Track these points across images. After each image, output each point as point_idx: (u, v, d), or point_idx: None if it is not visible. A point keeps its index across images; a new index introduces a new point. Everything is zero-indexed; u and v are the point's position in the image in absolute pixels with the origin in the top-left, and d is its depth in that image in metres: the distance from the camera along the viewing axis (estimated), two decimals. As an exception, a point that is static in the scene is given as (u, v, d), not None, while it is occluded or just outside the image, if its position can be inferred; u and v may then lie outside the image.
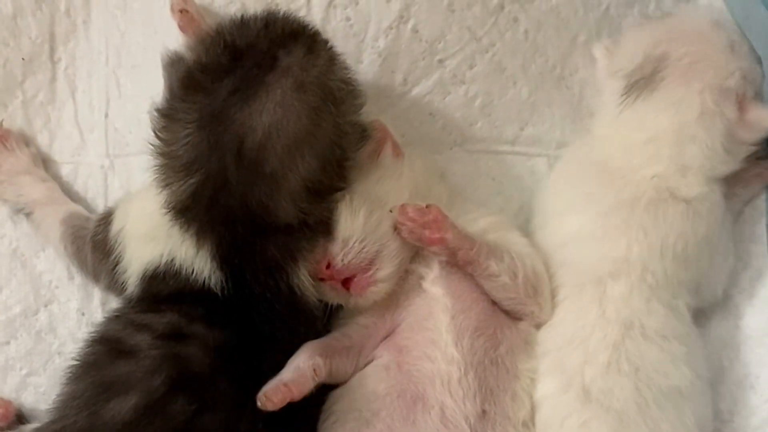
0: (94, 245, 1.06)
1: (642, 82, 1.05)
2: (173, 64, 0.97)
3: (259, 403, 0.89)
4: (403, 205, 0.97)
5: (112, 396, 0.90)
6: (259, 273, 0.94)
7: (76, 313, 1.13)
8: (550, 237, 1.06)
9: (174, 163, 0.93)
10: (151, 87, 1.05)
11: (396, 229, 0.98)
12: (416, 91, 1.15)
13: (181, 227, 0.94)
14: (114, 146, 1.18)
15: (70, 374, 0.96)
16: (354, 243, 0.96)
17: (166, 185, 0.94)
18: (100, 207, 1.16)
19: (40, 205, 1.12)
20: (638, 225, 1.00)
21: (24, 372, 1.11)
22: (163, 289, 0.97)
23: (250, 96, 0.90)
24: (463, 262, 0.99)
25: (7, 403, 1.07)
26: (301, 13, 1.07)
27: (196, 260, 0.95)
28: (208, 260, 0.95)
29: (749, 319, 1.06)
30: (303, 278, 0.96)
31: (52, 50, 1.18)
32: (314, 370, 0.93)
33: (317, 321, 0.99)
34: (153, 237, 0.97)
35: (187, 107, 0.92)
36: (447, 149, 1.17)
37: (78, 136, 1.19)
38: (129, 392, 0.89)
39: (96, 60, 1.19)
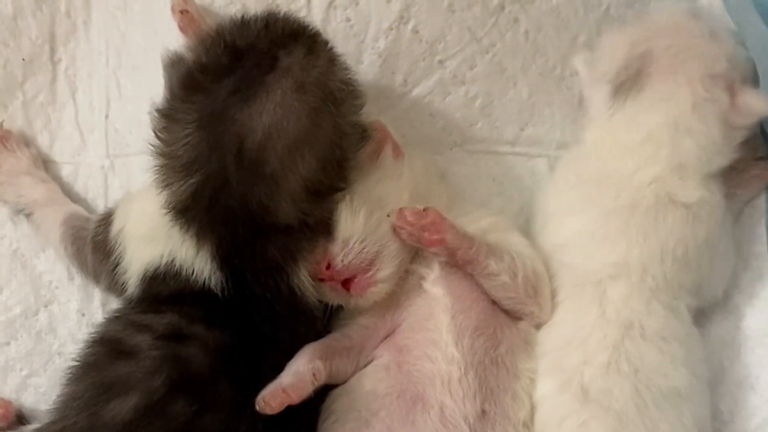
0: (94, 246, 1.06)
1: (628, 82, 1.04)
2: (173, 64, 0.97)
3: (257, 407, 0.89)
4: (401, 209, 0.98)
5: (112, 397, 0.90)
6: (259, 273, 0.94)
7: (76, 313, 1.13)
8: (550, 238, 1.06)
9: (174, 163, 0.93)
10: (152, 88, 1.05)
11: (395, 232, 0.98)
12: (416, 91, 1.15)
13: (181, 228, 0.94)
14: (114, 147, 1.18)
15: (71, 375, 0.96)
16: (354, 243, 0.96)
17: (166, 185, 0.94)
18: (101, 207, 1.16)
19: (40, 206, 1.12)
20: (638, 229, 0.99)
21: (24, 373, 1.12)
22: (163, 290, 0.97)
23: (250, 96, 0.90)
24: (463, 261, 0.99)
25: (7, 404, 1.07)
26: (302, 14, 1.08)
27: (196, 261, 0.95)
28: (209, 261, 0.95)
29: (749, 320, 1.06)
30: (303, 279, 0.96)
31: (53, 51, 1.19)
32: (314, 374, 0.93)
33: (317, 321, 0.99)
34: (153, 237, 0.97)
35: (187, 107, 0.92)
36: (447, 150, 1.17)
37: (78, 137, 1.19)
38: (129, 393, 0.89)
39: (96, 61, 1.19)
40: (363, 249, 0.96)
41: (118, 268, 1.01)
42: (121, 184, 1.16)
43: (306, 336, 0.98)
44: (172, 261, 0.96)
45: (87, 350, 0.97)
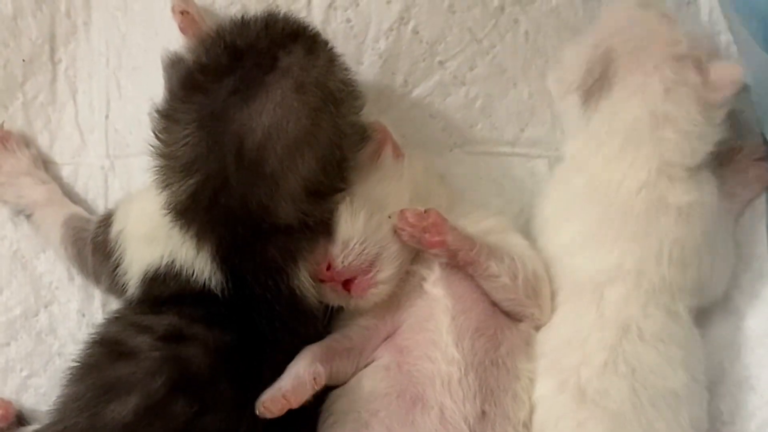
0: (94, 247, 1.06)
1: (596, 84, 1.03)
2: (173, 65, 0.97)
3: (257, 412, 0.89)
4: (402, 211, 0.98)
5: (112, 397, 0.90)
6: (259, 274, 0.94)
7: (76, 314, 1.13)
8: (547, 244, 1.06)
9: (174, 163, 0.93)
10: (152, 88, 1.05)
11: (396, 233, 0.99)
12: (417, 92, 1.15)
13: (181, 228, 0.94)
14: (114, 147, 1.18)
15: (71, 376, 0.96)
16: (354, 245, 0.96)
17: (166, 186, 0.94)
18: (101, 208, 1.16)
19: (40, 206, 1.12)
20: (631, 235, 0.99)
21: (24, 373, 1.12)
22: (163, 291, 0.97)
23: (250, 96, 0.90)
24: (464, 263, 0.99)
25: (7, 404, 1.07)
26: (302, 15, 1.07)
27: (196, 261, 0.95)
28: (209, 261, 0.95)
29: (750, 321, 1.06)
30: (303, 279, 0.96)
31: (53, 51, 1.18)
32: (314, 378, 0.92)
33: (318, 322, 0.99)
34: (153, 238, 0.97)
35: (186, 108, 0.92)
36: (447, 151, 1.17)
37: (78, 138, 1.19)
38: (129, 394, 0.89)
39: (96, 61, 1.19)
40: (363, 250, 0.96)
41: (118, 269, 1.01)
42: (121, 185, 1.16)
43: (306, 336, 0.98)
44: (173, 262, 0.96)
45: (87, 351, 0.97)
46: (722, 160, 1.14)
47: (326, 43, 0.98)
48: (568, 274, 1.03)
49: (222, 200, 0.91)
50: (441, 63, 1.15)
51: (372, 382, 0.98)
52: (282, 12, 0.99)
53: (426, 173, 1.08)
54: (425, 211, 0.97)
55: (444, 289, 0.99)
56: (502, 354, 0.98)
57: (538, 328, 1.03)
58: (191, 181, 0.91)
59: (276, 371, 0.93)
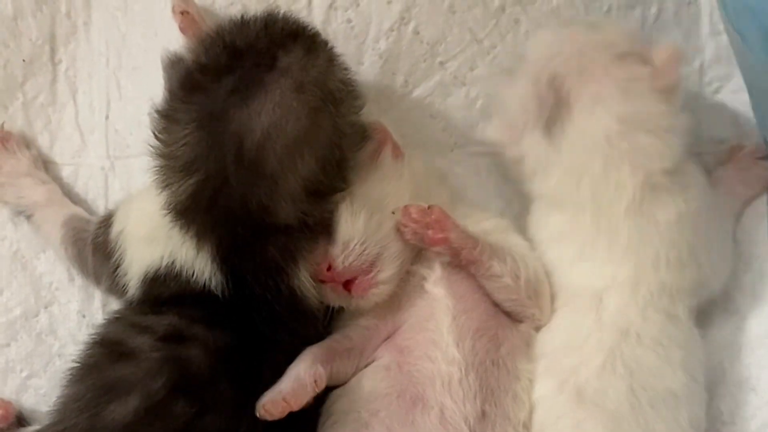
0: (94, 248, 1.06)
1: (554, 111, 1.00)
2: (173, 65, 0.97)
3: (257, 414, 0.89)
4: (405, 207, 0.98)
5: (112, 398, 0.90)
6: (259, 274, 0.94)
7: (76, 314, 1.13)
8: (541, 256, 1.05)
9: (173, 163, 0.93)
10: (152, 89, 1.05)
11: (399, 230, 0.99)
12: (417, 92, 1.15)
13: (181, 228, 0.94)
14: (114, 148, 1.18)
15: (71, 376, 0.96)
16: (355, 245, 0.96)
17: (166, 186, 0.94)
18: (101, 209, 1.16)
19: (40, 207, 1.12)
20: (623, 251, 0.98)
21: (24, 374, 1.12)
22: (164, 292, 0.97)
23: (249, 96, 0.90)
24: (466, 261, 0.99)
25: (7, 404, 1.07)
26: (303, 15, 1.07)
27: (196, 262, 0.95)
28: (209, 262, 0.95)
29: (751, 321, 1.06)
30: (303, 279, 0.96)
31: (53, 52, 1.18)
32: (315, 381, 0.92)
33: (318, 322, 0.99)
34: (153, 239, 0.97)
35: (186, 108, 0.92)
36: (448, 151, 1.17)
37: (78, 138, 1.19)
38: (130, 394, 0.89)
39: (97, 61, 1.19)
40: (364, 250, 0.96)
41: (118, 269, 1.01)
42: (121, 186, 1.16)
43: (306, 337, 0.98)
44: (173, 262, 0.96)
45: (87, 351, 0.97)
46: (724, 158, 1.14)
47: (326, 42, 0.98)
48: (565, 283, 1.03)
49: (222, 200, 0.91)
50: (441, 63, 1.14)
51: (372, 382, 0.98)
52: (282, 12, 0.99)
53: (426, 173, 1.08)
54: (428, 208, 0.97)
55: (445, 289, 0.99)
56: (503, 354, 0.98)
57: (538, 328, 1.03)
58: (191, 181, 0.91)
59: (276, 372, 0.93)
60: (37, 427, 0.98)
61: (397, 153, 1.06)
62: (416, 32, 1.13)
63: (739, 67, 1.13)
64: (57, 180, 1.16)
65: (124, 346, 0.94)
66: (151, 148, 0.94)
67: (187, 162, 0.91)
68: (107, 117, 1.18)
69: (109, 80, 1.18)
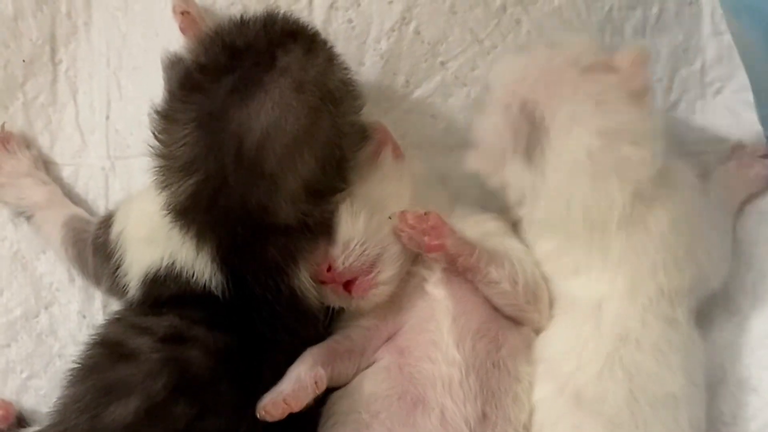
0: (95, 248, 1.06)
1: (531, 137, 0.98)
2: (173, 65, 0.97)
3: (258, 416, 0.89)
4: (402, 212, 0.97)
5: (113, 399, 0.90)
6: (259, 274, 0.94)
7: (77, 315, 1.13)
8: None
9: (173, 164, 0.92)
10: (152, 89, 1.04)
11: (396, 235, 0.98)
12: (418, 93, 1.15)
13: (181, 229, 0.94)
14: (115, 148, 1.18)
15: (71, 377, 0.95)
16: (355, 246, 0.96)
17: (166, 186, 0.93)
18: (101, 209, 1.16)
19: (40, 208, 1.12)
20: (619, 261, 0.97)
21: (25, 375, 1.12)
22: (164, 292, 0.97)
23: (249, 96, 0.90)
24: (463, 268, 0.99)
25: (7, 405, 1.07)
26: (304, 15, 1.07)
27: (196, 263, 0.95)
28: (209, 262, 0.94)
29: (752, 322, 1.05)
30: (304, 280, 0.96)
31: (53, 52, 1.18)
32: (315, 382, 0.92)
33: (318, 323, 0.99)
34: (153, 239, 0.97)
35: (185, 108, 0.92)
36: (448, 151, 1.16)
37: (79, 138, 1.19)
38: (130, 396, 0.89)
39: (97, 62, 1.19)
40: (364, 251, 0.96)
41: (118, 270, 1.01)
42: (121, 186, 1.17)
43: (307, 337, 0.98)
44: (173, 263, 0.96)
45: (88, 352, 0.96)
46: (725, 157, 1.13)
47: (325, 42, 0.98)
48: (563, 293, 1.02)
49: (221, 200, 0.91)
50: (443, 63, 1.14)
51: (373, 383, 0.98)
52: (281, 12, 0.98)
53: (426, 174, 1.08)
54: (425, 214, 0.97)
55: (445, 290, 0.99)
56: (503, 356, 0.98)
57: (538, 332, 1.02)
58: (190, 182, 0.91)
59: (276, 372, 0.93)
60: (37, 428, 0.98)
61: (398, 153, 1.06)
62: (417, 32, 1.12)
63: (743, 65, 1.12)
64: (57, 180, 1.16)
65: (124, 347, 0.94)
66: (150, 149, 0.94)
67: (186, 162, 0.91)
68: (108, 117, 1.18)
69: (110, 80, 1.18)
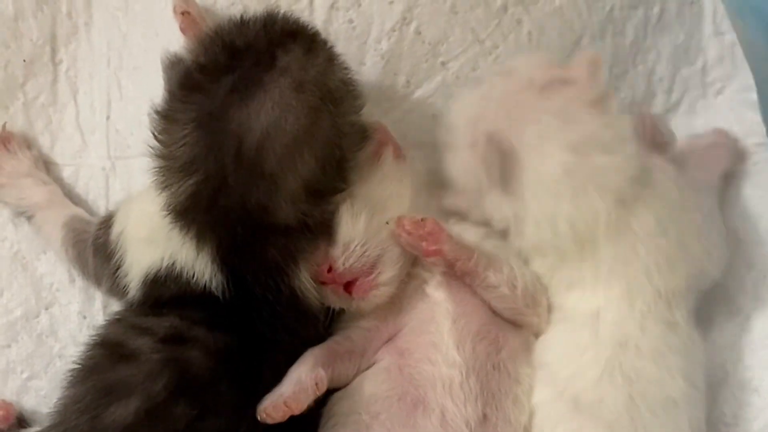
0: (95, 249, 1.05)
1: (504, 168, 0.97)
2: (173, 66, 0.97)
3: (258, 418, 0.89)
4: (399, 218, 0.97)
5: (113, 400, 0.89)
6: (259, 274, 0.94)
7: (77, 316, 1.13)
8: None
9: (173, 164, 0.92)
10: (153, 89, 1.04)
11: (394, 239, 0.98)
12: (419, 93, 1.15)
13: (181, 229, 0.94)
14: (115, 148, 1.18)
15: (71, 378, 0.95)
16: (356, 247, 0.96)
17: (165, 187, 0.93)
18: (102, 209, 1.16)
19: (41, 208, 1.12)
20: (611, 270, 0.97)
21: (25, 375, 1.11)
22: (164, 293, 0.97)
23: (248, 96, 0.89)
24: (461, 272, 0.99)
25: (8, 406, 1.07)
26: (304, 15, 1.07)
27: (196, 263, 0.95)
28: (209, 263, 0.94)
29: (753, 322, 1.06)
30: (304, 280, 0.95)
31: (54, 52, 1.18)
32: (316, 384, 0.92)
33: (319, 323, 0.99)
34: (153, 240, 0.97)
35: (185, 108, 0.92)
36: (449, 152, 1.16)
37: (79, 138, 1.19)
38: (130, 396, 0.89)
39: (97, 62, 1.19)
40: (364, 252, 0.96)
41: (119, 271, 1.01)
42: (122, 186, 1.16)
43: (307, 338, 0.97)
44: (173, 263, 0.96)
45: (88, 353, 0.96)
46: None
47: (325, 42, 0.98)
48: (560, 303, 1.02)
49: (221, 200, 0.91)
50: (443, 64, 1.14)
51: (373, 384, 0.98)
52: (281, 12, 0.98)
53: (427, 174, 1.08)
54: (422, 219, 0.97)
55: (445, 292, 0.99)
56: (503, 358, 0.98)
57: (537, 335, 1.02)
58: (190, 182, 0.91)
59: (277, 373, 0.93)
60: (37, 428, 0.98)
61: (398, 154, 1.05)
62: (418, 32, 1.12)
63: (747, 63, 1.12)
64: (58, 180, 1.16)
65: (124, 348, 0.94)
66: (150, 149, 0.94)
67: (186, 162, 0.91)
68: (108, 117, 1.18)
69: (110, 80, 1.18)
